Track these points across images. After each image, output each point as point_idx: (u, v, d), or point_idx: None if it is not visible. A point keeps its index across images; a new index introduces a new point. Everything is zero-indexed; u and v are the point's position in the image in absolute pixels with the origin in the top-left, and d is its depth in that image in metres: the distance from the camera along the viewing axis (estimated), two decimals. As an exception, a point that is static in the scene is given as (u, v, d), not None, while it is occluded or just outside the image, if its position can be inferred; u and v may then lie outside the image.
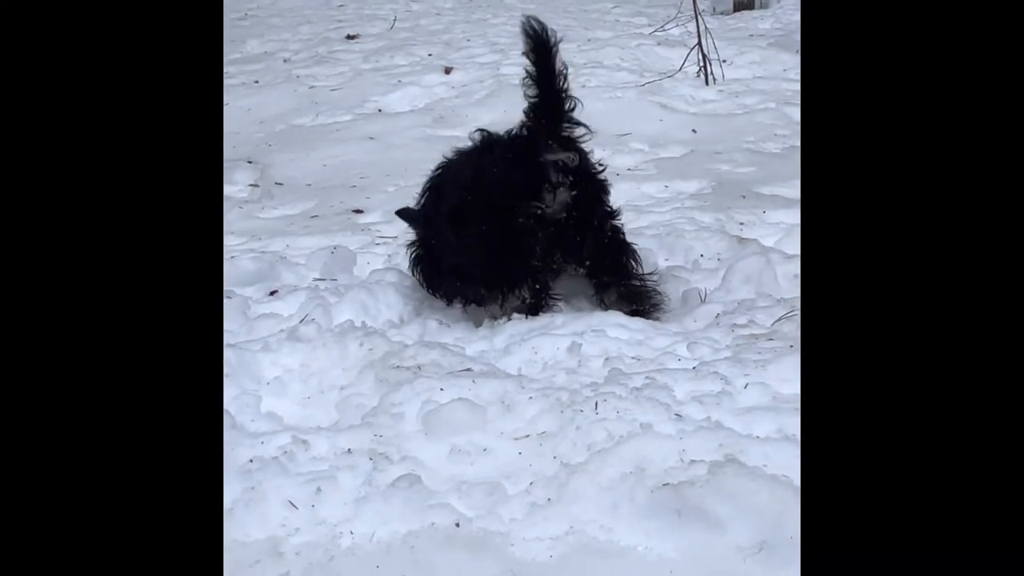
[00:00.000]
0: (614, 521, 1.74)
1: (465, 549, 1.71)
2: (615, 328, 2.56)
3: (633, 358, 2.40)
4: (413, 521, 1.77)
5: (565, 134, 2.69)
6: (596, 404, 2.04)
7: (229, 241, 3.90)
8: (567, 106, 2.66)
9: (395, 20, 9.44)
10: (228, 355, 2.35)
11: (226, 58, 7.69)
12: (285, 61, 7.98)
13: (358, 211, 4.47)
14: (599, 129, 2.97)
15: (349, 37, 8.78)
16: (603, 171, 2.81)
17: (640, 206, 4.09)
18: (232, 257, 3.45)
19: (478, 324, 2.83)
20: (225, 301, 2.81)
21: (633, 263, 2.85)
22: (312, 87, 6.90)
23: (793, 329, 2.45)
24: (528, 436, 2.03)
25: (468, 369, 2.32)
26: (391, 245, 3.69)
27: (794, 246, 3.11)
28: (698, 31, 6.40)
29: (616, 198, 2.94)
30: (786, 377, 2.16)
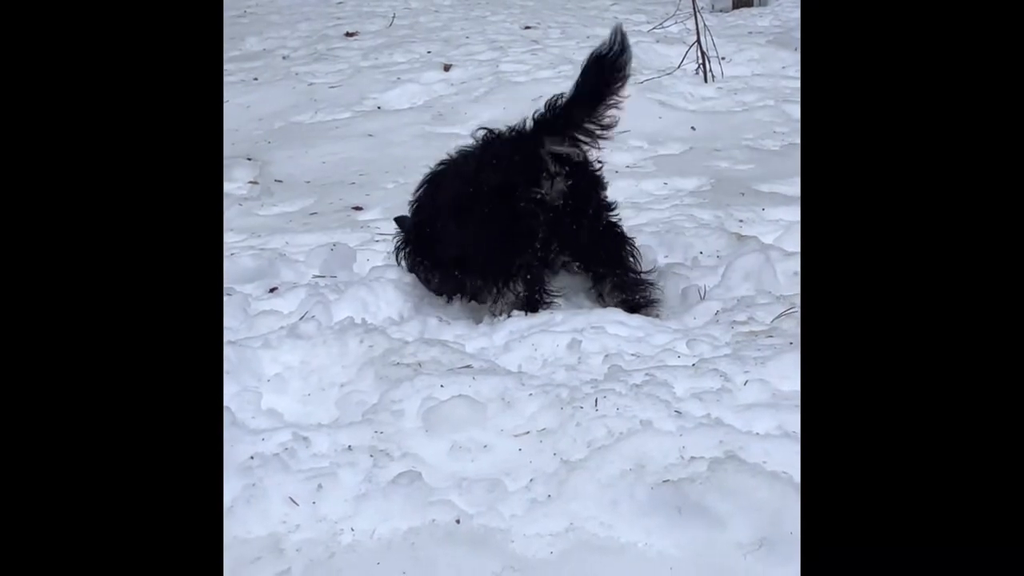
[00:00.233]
0: (614, 518, 1.74)
1: (465, 546, 1.71)
2: (615, 325, 2.57)
3: (633, 355, 2.40)
4: (414, 518, 1.77)
5: (578, 135, 2.73)
6: (596, 401, 2.04)
7: (229, 238, 3.90)
8: (597, 111, 2.70)
9: (394, 17, 9.43)
10: (228, 352, 2.35)
11: (225, 55, 7.67)
12: (284, 58, 7.97)
13: (357, 208, 4.47)
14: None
15: (348, 34, 8.77)
16: (600, 168, 2.84)
17: (639, 203, 4.09)
18: (232, 254, 3.46)
19: (478, 321, 2.84)
20: (225, 298, 2.81)
21: (629, 255, 2.87)
22: (311, 84, 6.89)
23: (793, 326, 2.45)
24: (528, 433, 2.03)
25: (468, 366, 2.32)
26: (390, 242, 3.68)
27: (793, 243, 3.12)
28: (697, 28, 6.40)
29: (615, 195, 2.96)
30: (786, 374, 2.16)
